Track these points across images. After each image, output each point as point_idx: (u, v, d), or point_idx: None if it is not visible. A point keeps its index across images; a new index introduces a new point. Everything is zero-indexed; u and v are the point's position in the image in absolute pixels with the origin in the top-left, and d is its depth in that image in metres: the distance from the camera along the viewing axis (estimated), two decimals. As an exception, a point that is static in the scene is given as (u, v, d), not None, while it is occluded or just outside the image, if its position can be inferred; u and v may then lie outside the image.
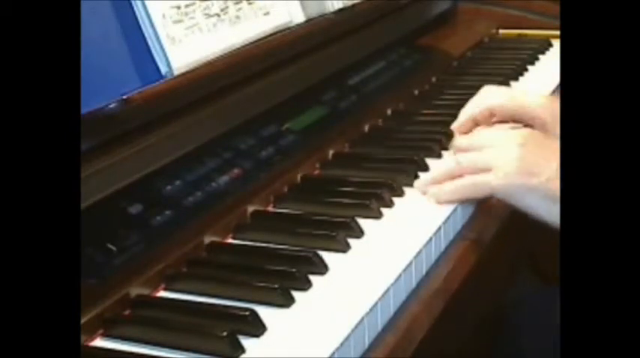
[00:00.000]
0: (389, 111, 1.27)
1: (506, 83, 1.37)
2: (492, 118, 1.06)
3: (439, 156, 1.08)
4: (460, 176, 0.95)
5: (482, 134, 1.03)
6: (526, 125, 1.04)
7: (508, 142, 0.94)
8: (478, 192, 0.94)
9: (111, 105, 0.87)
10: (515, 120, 1.05)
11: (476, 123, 1.07)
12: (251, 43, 1.07)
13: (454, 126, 1.09)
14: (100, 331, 0.76)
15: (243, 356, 0.71)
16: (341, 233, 0.88)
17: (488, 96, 1.08)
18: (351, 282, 0.81)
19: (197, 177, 0.96)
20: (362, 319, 0.74)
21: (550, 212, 0.87)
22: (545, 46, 1.57)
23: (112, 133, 0.87)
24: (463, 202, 0.95)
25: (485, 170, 0.92)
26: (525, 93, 1.12)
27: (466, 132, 1.07)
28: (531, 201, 0.89)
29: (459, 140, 1.03)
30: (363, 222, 0.91)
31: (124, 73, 0.91)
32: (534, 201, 0.89)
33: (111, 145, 0.86)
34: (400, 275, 0.81)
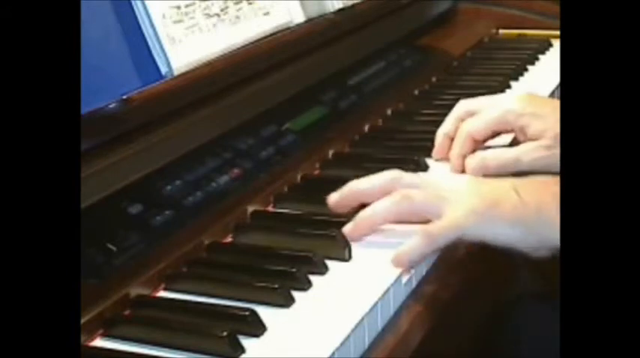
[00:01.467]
0: (389, 111, 1.27)
1: (506, 83, 1.37)
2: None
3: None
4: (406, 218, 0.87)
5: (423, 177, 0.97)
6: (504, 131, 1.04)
7: (460, 180, 0.91)
8: (443, 241, 0.84)
9: (111, 105, 0.87)
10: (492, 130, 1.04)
11: (450, 139, 1.06)
12: (251, 43, 1.07)
13: (433, 153, 1.06)
14: (100, 331, 0.76)
15: (243, 356, 0.71)
16: (341, 233, 0.88)
17: (463, 107, 1.06)
18: (351, 282, 0.81)
19: (197, 177, 0.96)
20: (362, 319, 0.74)
21: (520, 239, 0.83)
22: (545, 46, 1.57)
23: (112, 133, 0.87)
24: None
25: (440, 211, 0.84)
26: (499, 100, 1.10)
27: (444, 153, 1.05)
28: (502, 231, 0.83)
29: (404, 176, 0.90)
30: (363, 222, 0.91)
31: (124, 73, 0.91)
32: (505, 231, 0.83)
33: (111, 145, 0.86)
34: (400, 276, 0.81)
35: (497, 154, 1.00)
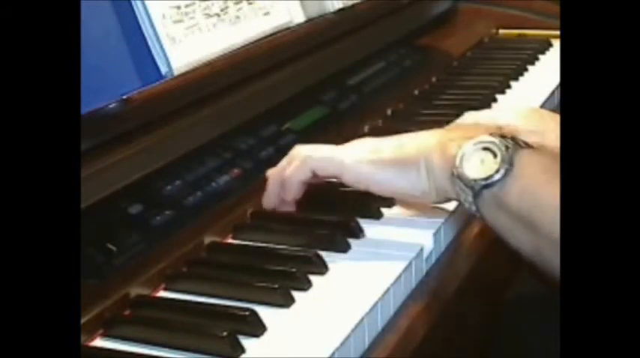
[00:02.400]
0: (389, 111, 1.27)
1: (506, 83, 1.37)
2: None
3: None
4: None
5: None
6: None
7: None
8: (320, 167, 0.92)
9: (111, 105, 0.87)
10: None
11: None
12: (251, 43, 1.07)
13: None
14: (100, 331, 0.76)
15: (243, 356, 0.71)
16: (340, 233, 0.88)
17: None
18: (351, 282, 0.81)
19: (197, 177, 0.96)
20: (362, 319, 0.74)
21: (401, 181, 0.87)
22: (545, 46, 1.57)
23: (112, 133, 0.87)
24: None
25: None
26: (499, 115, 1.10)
27: None
28: (382, 175, 0.88)
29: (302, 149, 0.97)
30: (363, 222, 0.91)
31: (124, 73, 0.91)
32: (385, 174, 0.88)
33: (111, 145, 0.86)
34: (400, 275, 0.81)
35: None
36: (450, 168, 0.83)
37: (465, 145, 0.82)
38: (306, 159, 0.92)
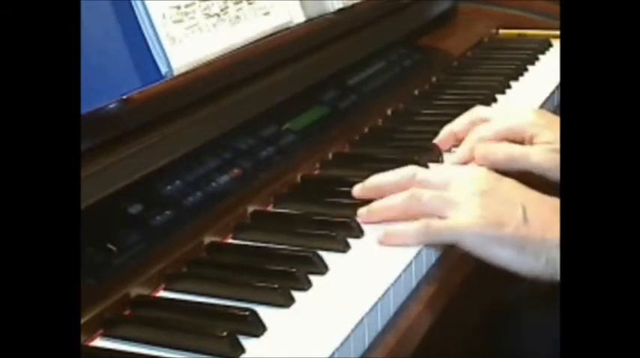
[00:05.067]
0: (389, 111, 1.27)
1: (506, 83, 1.37)
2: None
3: (439, 156, 1.08)
4: (412, 215, 0.89)
5: (444, 170, 1.00)
6: (513, 141, 1.04)
7: (472, 186, 0.88)
8: (438, 239, 0.87)
9: (111, 105, 0.87)
10: (503, 138, 1.04)
11: (457, 139, 1.08)
12: (251, 43, 1.07)
13: (436, 141, 1.09)
14: (100, 331, 0.76)
15: (243, 356, 0.71)
16: (341, 233, 0.88)
17: (478, 113, 1.08)
18: (351, 282, 0.81)
19: (197, 177, 0.96)
20: (362, 319, 0.74)
21: (518, 261, 0.84)
22: (545, 46, 1.57)
23: (112, 133, 0.87)
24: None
25: (445, 213, 0.86)
26: (513, 112, 1.11)
27: (444, 148, 1.08)
28: (500, 252, 0.84)
29: (418, 173, 0.93)
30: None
31: (124, 73, 0.91)
32: (503, 252, 0.84)
33: (111, 145, 0.86)
34: (400, 275, 0.81)
35: (508, 148, 1.02)
36: None
37: None
38: (425, 230, 0.86)
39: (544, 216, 0.84)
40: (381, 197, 0.92)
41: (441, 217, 0.87)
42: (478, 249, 0.85)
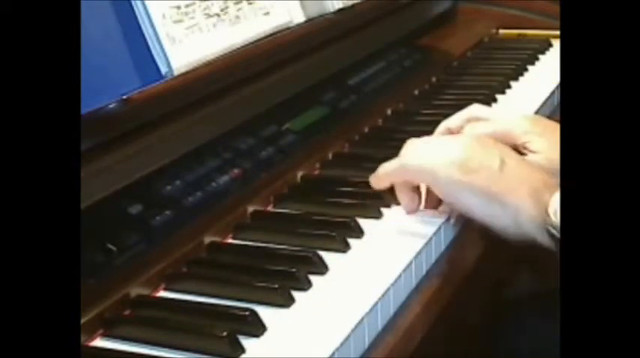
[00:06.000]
0: (389, 111, 1.27)
1: (506, 83, 1.37)
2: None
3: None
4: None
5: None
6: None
7: (453, 140, 0.93)
8: (415, 176, 0.92)
9: (111, 105, 0.87)
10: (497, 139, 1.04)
11: (452, 135, 1.07)
12: (251, 43, 1.07)
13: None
14: (100, 331, 0.76)
15: (243, 356, 0.71)
16: (341, 233, 0.88)
17: (474, 111, 1.08)
18: (351, 282, 0.81)
19: (197, 177, 0.96)
20: (362, 319, 0.74)
21: (487, 212, 0.86)
22: (545, 46, 1.57)
23: (112, 133, 0.87)
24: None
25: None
26: (508, 115, 1.11)
27: None
28: (470, 198, 0.86)
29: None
30: (363, 222, 0.91)
31: (124, 73, 0.91)
32: (473, 199, 0.86)
33: (111, 145, 0.86)
34: (400, 275, 0.81)
35: None
36: (541, 216, 0.82)
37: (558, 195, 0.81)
38: (402, 167, 0.91)
39: (520, 171, 0.86)
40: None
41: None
42: (449, 192, 0.88)
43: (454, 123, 1.07)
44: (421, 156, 0.91)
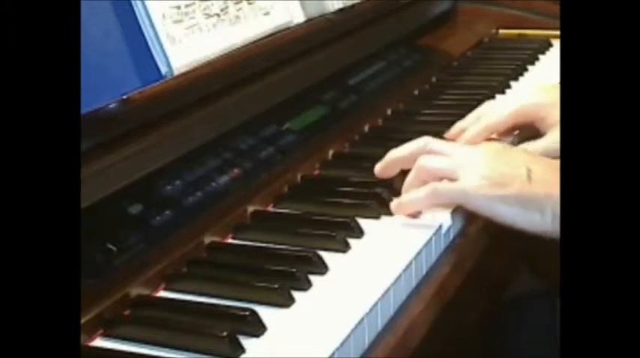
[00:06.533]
0: (389, 111, 1.27)
1: (506, 83, 1.37)
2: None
3: (439, 156, 1.08)
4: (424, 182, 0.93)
5: (454, 143, 1.02)
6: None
7: (478, 151, 0.93)
8: (447, 201, 0.91)
9: (111, 105, 0.87)
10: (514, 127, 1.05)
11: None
12: (251, 43, 1.07)
13: (446, 135, 1.09)
14: (100, 331, 0.76)
15: (243, 356, 0.71)
16: (341, 233, 0.88)
17: (487, 111, 1.07)
18: (351, 282, 0.81)
19: (197, 177, 0.96)
20: (362, 319, 0.74)
21: (523, 218, 0.86)
22: (545, 46, 1.57)
23: (112, 133, 0.87)
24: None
25: (453, 176, 0.90)
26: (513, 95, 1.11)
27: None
28: (505, 210, 0.87)
29: (430, 143, 0.97)
30: (363, 222, 0.91)
31: (124, 73, 0.91)
32: (508, 210, 0.87)
33: (111, 145, 0.86)
34: (400, 275, 0.81)
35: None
36: None
37: None
38: (432, 194, 0.90)
39: (548, 176, 0.87)
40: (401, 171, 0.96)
41: (450, 181, 0.90)
42: (484, 209, 0.88)
43: (468, 122, 1.07)
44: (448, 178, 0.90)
